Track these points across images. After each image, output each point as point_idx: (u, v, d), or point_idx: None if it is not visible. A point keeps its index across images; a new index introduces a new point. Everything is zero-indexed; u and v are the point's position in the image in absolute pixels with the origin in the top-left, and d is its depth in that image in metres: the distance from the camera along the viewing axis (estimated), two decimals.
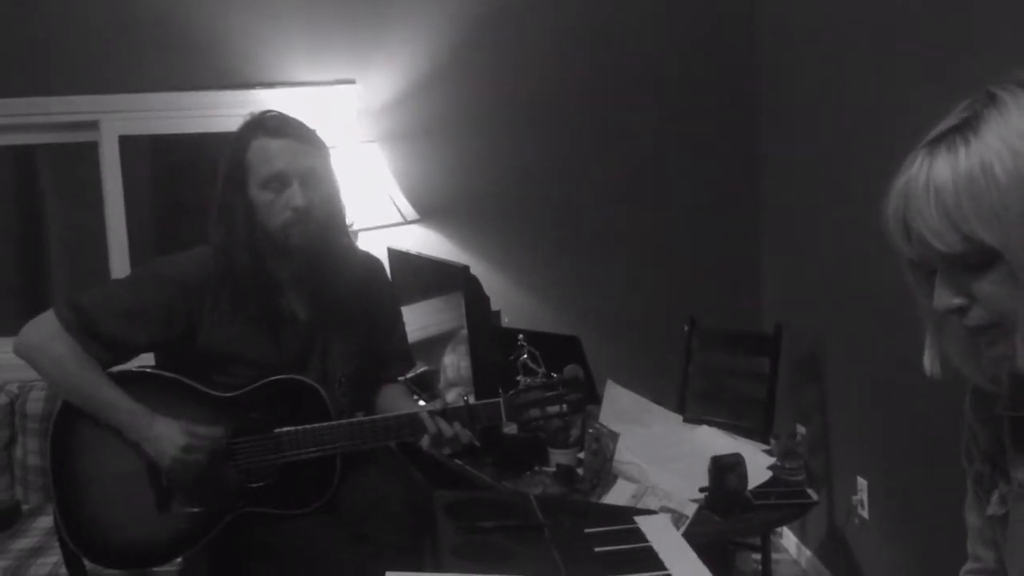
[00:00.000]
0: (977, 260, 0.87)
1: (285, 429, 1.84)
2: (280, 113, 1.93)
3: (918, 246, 0.90)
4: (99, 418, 1.82)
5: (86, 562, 2.19)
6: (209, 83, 3.32)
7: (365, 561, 1.70)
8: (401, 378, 2.23)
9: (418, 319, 2.71)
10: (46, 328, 1.83)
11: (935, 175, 0.87)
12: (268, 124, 1.89)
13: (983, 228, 0.85)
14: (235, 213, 1.87)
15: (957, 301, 0.90)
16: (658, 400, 2.64)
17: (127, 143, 3.39)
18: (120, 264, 3.37)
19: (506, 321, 3.12)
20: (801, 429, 3.34)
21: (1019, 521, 1.01)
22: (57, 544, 2.57)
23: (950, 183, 0.86)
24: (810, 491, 2.13)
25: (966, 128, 0.87)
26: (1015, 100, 0.86)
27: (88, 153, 3.41)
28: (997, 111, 0.86)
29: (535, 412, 1.93)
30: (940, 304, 0.90)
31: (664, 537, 1.51)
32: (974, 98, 0.89)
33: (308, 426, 1.84)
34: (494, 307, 3.04)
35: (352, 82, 3.41)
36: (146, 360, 2.00)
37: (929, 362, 0.97)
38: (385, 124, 3.45)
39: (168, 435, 1.80)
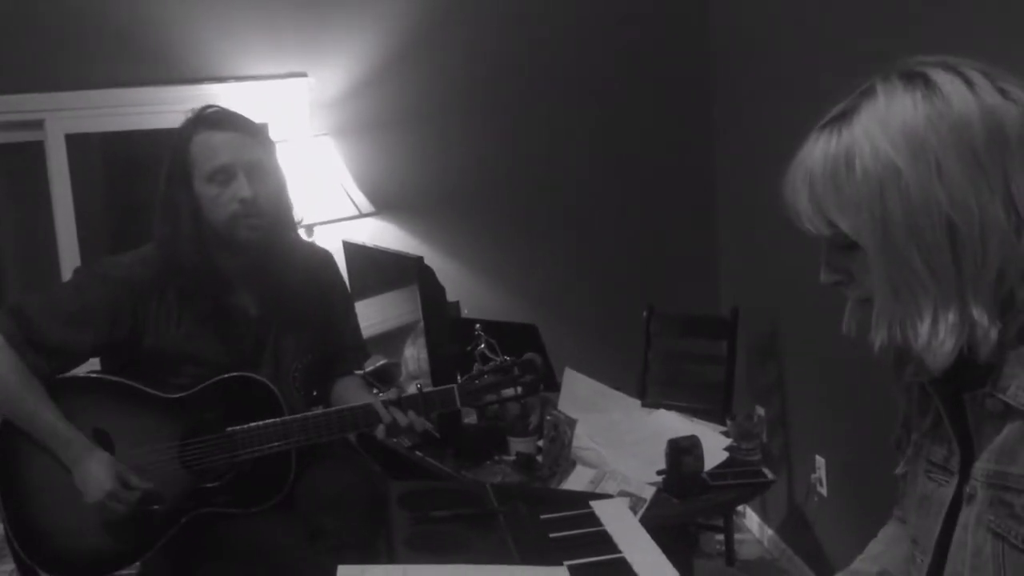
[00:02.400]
0: (843, 242, 0.93)
1: (238, 427, 1.82)
2: (222, 108, 1.90)
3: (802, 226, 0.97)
4: (36, 440, 1.77)
5: (41, 573, 2.16)
6: (158, 79, 3.27)
7: (321, 556, 1.69)
8: (360, 372, 2.21)
9: (376, 313, 2.69)
10: None
11: (812, 162, 0.93)
12: (211, 118, 1.86)
13: (840, 216, 0.92)
14: (180, 209, 1.83)
15: (834, 278, 0.98)
16: (618, 387, 2.65)
17: (75, 141, 3.33)
18: (71, 265, 3.29)
19: (465, 312, 3.12)
20: (760, 410, 3.38)
21: (914, 478, 1.07)
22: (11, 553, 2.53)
23: (819, 170, 0.92)
24: (766, 470, 2.15)
25: (842, 118, 0.92)
26: (887, 94, 0.90)
27: (37, 152, 3.35)
28: (871, 104, 0.91)
29: (490, 396, 1.93)
30: (823, 279, 0.99)
31: (619, 521, 1.52)
32: (862, 86, 0.93)
33: (261, 423, 1.82)
34: (453, 298, 3.03)
35: (304, 75, 3.38)
36: (92, 364, 1.95)
37: (846, 322, 1.02)
38: (338, 117, 3.42)
39: (97, 475, 1.73)
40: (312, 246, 2.13)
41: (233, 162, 1.82)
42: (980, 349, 0.89)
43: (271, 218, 1.87)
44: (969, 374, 0.94)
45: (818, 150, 0.93)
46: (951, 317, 0.88)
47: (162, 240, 1.86)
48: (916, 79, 0.90)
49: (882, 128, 0.89)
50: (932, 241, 0.88)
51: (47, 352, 1.79)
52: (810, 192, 0.93)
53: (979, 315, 0.88)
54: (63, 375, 1.85)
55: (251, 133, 1.88)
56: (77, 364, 1.87)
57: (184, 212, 1.83)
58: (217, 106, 1.91)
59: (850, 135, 0.90)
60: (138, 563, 2.07)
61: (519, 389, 1.95)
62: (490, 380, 1.94)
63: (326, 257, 2.15)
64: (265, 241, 1.87)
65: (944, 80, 0.89)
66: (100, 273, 1.87)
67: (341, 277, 2.20)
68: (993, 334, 0.89)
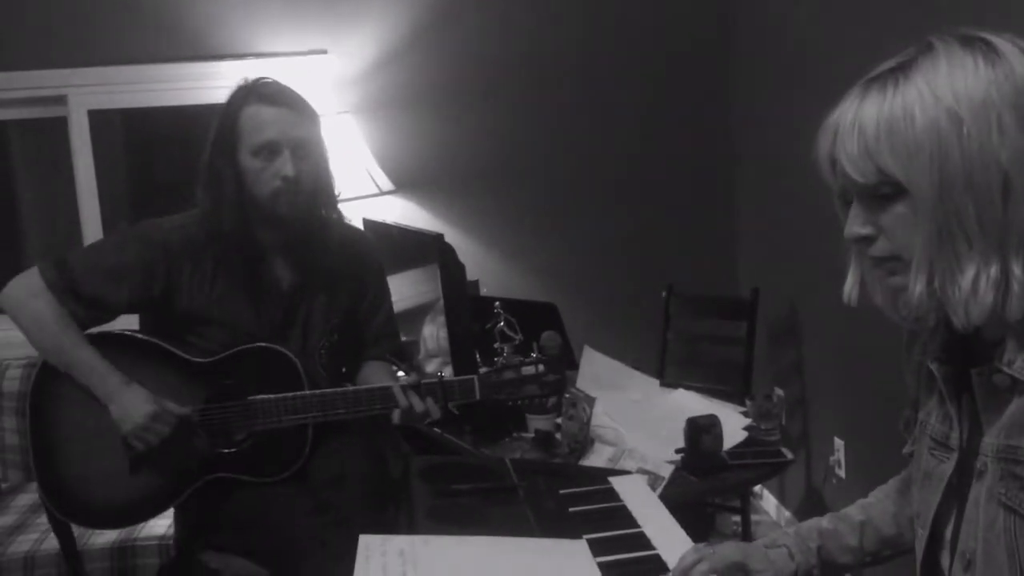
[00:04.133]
0: (888, 191, 0.93)
1: (259, 397, 1.84)
2: (275, 81, 1.93)
3: (840, 177, 0.96)
4: (73, 376, 1.83)
5: (74, 528, 2.21)
6: (179, 55, 3.28)
7: (327, 530, 1.70)
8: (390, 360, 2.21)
9: (396, 291, 2.70)
10: (29, 285, 1.85)
11: (863, 112, 0.93)
12: (262, 91, 1.88)
13: (894, 163, 0.91)
14: (224, 178, 1.86)
15: (865, 230, 0.97)
16: (637, 367, 2.65)
17: (98, 117, 3.35)
18: (93, 239, 3.34)
19: (484, 291, 3.12)
20: (779, 392, 3.37)
21: (919, 456, 1.09)
22: (38, 522, 2.58)
23: (874, 120, 0.92)
24: (785, 450, 2.15)
25: (899, 71, 0.93)
26: (947, 51, 0.91)
27: (60, 128, 3.37)
28: (930, 59, 0.92)
29: (510, 391, 1.90)
30: (849, 232, 0.98)
31: (638, 496, 1.53)
32: (916, 45, 0.94)
33: (281, 395, 1.84)
34: (472, 277, 3.03)
35: (324, 52, 3.37)
36: (128, 323, 1.99)
37: (848, 289, 1.04)
38: (359, 94, 3.42)
39: (136, 402, 1.80)
40: (353, 228, 2.14)
41: (280, 139, 1.85)
42: (1012, 306, 0.90)
43: (310, 195, 1.90)
44: (976, 350, 0.97)
45: (870, 101, 0.93)
46: (993, 271, 0.89)
47: (204, 207, 1.90)
48: (975, 42, 0.91)
49: (945, 81, 0.89)
50: (986, 194, 0.88)
51: (85, 302, 1.85)
52: (859, 139, 0.93)
53: (1019, 272, 0.89)
54: (98, 328, 1.90)
55: (300, 110, 1.90)
56: (112, 317, 1.92)
57: (228, 182, 1.86)
58: (271, 79, 1.93)
59: (910, 87, 0.91)
60: (160, 527, 2.11)
61: (542, 388, 1.91)
62: (512, 376, 1.87)
63: (366, 240, 2.18)
64: (304, 217, 1.90)
65: (1003, 44, 0.91)
66: (140, 233, 1.92)
67: (379, 262, 2.20)
68: None
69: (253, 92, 1.89)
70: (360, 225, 2.83)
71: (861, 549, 1.23)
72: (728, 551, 1.20)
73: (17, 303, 1.86)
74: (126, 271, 1.87)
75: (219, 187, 1.87)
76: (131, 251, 1.88)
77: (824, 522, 1.26)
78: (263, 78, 1.93)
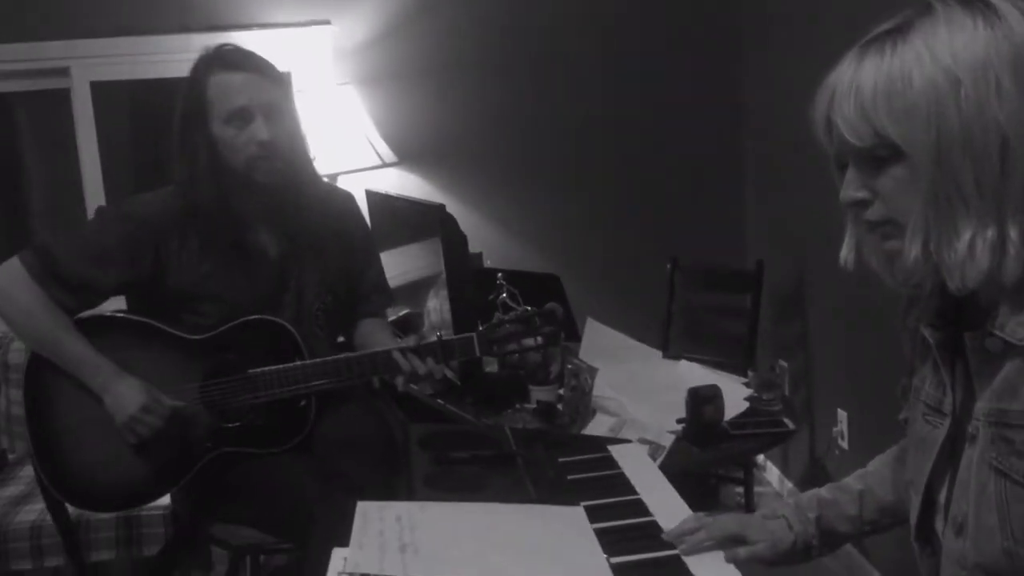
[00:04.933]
0: (884, 154, 0.92)
1: (259, 369, 1.84)
2: (237, 46, 1.89)
3: (836, 140, 0.96)
4: (65, 369, 1.81)
5: (70, 508, 2.22)
6: (181, 26, 3.25)
7: (337, 497, 1.71)
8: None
9: (400, 264, 2.70)
10: (11, 276, 1.80)
11: (860, 74, 0.93)
12: (227, 58, 1.85)
13: (892, 125, 0.90)
14: (198, 149, 1.83)
15: (860, 194, 0.96)
16: (641, 339, 2.65)
17: (101, 89, 3.34)
18: None
19: (488, 263, 3.12)
20: (783, 363, 3.36)
21: (914, 422, 1.09)
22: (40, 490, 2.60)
23: (871, 81, 0.91)
24: (787, 420, 2.15)
25: (897, 33, 0.92)
26: (947, 12, 0.91)
27: (63, 100, 3.36)
28: (929, 20, 0.91)
29: (510, 346, 1.92)
30: (845, 196, 0.97)
31: (636, 464, 1.53)
32: (915, 7, 0.93)
33: (281, 366, 1.84)
34: (476, 248, 3.03)
35: (327, 23, 3.35)
36: (117, 304, 1.98)
37: (845, 253, 1.03)
38: (361, 65, 3.40)
39: (129, 392, 1.77)
40: (332, 187, 2.13)
41: (250, 104, 1.82)
42: (1008, 269, 0.89)
43: (287, 159, 1.86)
44: (970, 315, 0.97)
45: (867, 63, 0.92)
46: (990, 235, 0.89)
47: (181, 181, 1.87)
48: (975, 3, 0.90)
49: (944, 43, 0.89)
50: (984, 156, 0.88)
51: (71, 288, 1.82)
52: (856, 101, 0.92)
53: (1015, 235, 0.89)
54: (88, 312, 1.87)
55: (267, 74, 1.87)
56: (101, 301, 1.90)
57: (202, 154, 1.83)
58: (232, 44, 1.90)
59: (908, 48, 0.90)
60: (169, 502, 2.12)
61: (539, 339, 1.94)
62: (510, 329, 1.93)
63: (347, 198, 2.14)
64: (281, 181, 1.87)
65: (1003, 5, 0.90)
66: (122, 212, 1.89)
67: (363, 218, 2.20)
68: (1023, 256, 0.89)
69: (217, 59, 1.85)
70: (363, 197, 2.83)
71: (860, 518, 1.23)
72: (726, 521, 1.21)
73: (1, 295, 1.82)
74: (111, 252, 1.83)
75: (194, 159, 1.83)
76: (114, 232, 1.84)
77: (823, 492, 1.27)
78: (225, 45, 1.89)
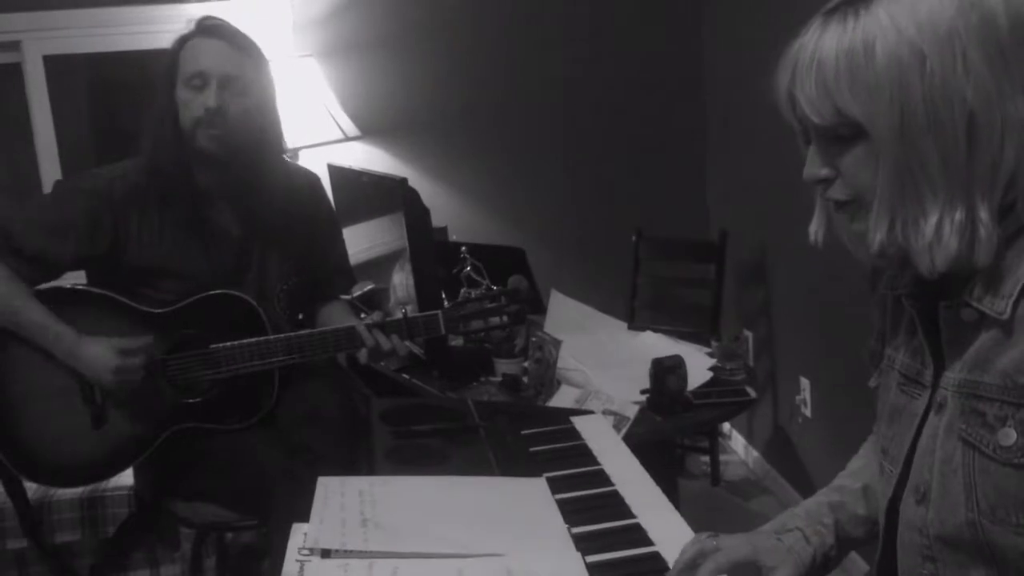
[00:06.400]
0: (847, 133, 0.89)
1: (221, 344, 1.82)
2: (221, 19, 1.90)
3: (799, 116, 0.92)
4: (26, 339, 1.79)
5: (30, 489, 2.19)
6: None
7: (299, 470, 1.71)
8: (346, 296, 2.21)
9: (364, 239, 2.68)
10: None
11: (821, 47, 0.88)
12: (204, 25, 1.86)
13: (854, 102, 0.87)
14: (163, 114, 1.83)
15: (823, 172, 0.93)
16: (607, 311, 2.65)
17: (55, 63, 3.25)
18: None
19: (453, 237, 3.11)
20: (747, 333, 3.39)
21: (887, 390, 1.07)
22: None
23: (831, 54, 0.87)
24: (749, 388, 2.17)
25: (858, 1, 0.87)
26: None
27: (14, 75, 3.28)
28: None
29: (476, 324, 1.93)
30: (807, 174, 0.94)
31: (598, 435, 1.54)
32: None
33: (244, 341, 1.82)
34: (441, 223, 3.01)
35: None
36: (77, 279, 1.95)
37: (814, 229, 1.01)
38: (322, 37, 3.35)
39: (99, 356, 1.77)
40: (298, 168, 2.11)
41: (209, 70, 1.81)
42: (980, 252, 0.87)
43: (236, 134, 1.84)
44: (946, 285, 0.93)
45: (829, 34, 0.88)
46: (958, 216, 0.85)
47: (144, 148, 1.86)
48: None
49: (908, 13, 0.84)
50: (951, 133, 0.84)
51: (26, 258, 1.80)
52: (817, 76, 0.88)
53: (985, 217, 0.85)
54: (48, 284, 1.85)
55: (240, 47, 1.86)
56: (59, 274, 1.87)
57: (166, 117, 1.83)
58: (217, 18, 1.90)
59: (871, 18, 0.86)
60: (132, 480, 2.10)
61: (504, 319, 1.94)
62: (475, 307, 1.93)
63: (312, 180, 2.13)
64: (223, 153, 1.84)
65: None
66: (79, 186, 1.87)
67: (328, 201, 2.19)
68: (994, 238, 0.86)
69: (197, 28, 1.86)
70: (325, 171, 2.80)
71: (869, 518, 1.15)
72: (735, 546, 1.05)
73: None
74: (70, 225, 1.81)
75: (159, 123, 1.83)
76: (73, 204, 1.83)
77: (829, 496, 1.17)
78: (210, 17, 1.89)
